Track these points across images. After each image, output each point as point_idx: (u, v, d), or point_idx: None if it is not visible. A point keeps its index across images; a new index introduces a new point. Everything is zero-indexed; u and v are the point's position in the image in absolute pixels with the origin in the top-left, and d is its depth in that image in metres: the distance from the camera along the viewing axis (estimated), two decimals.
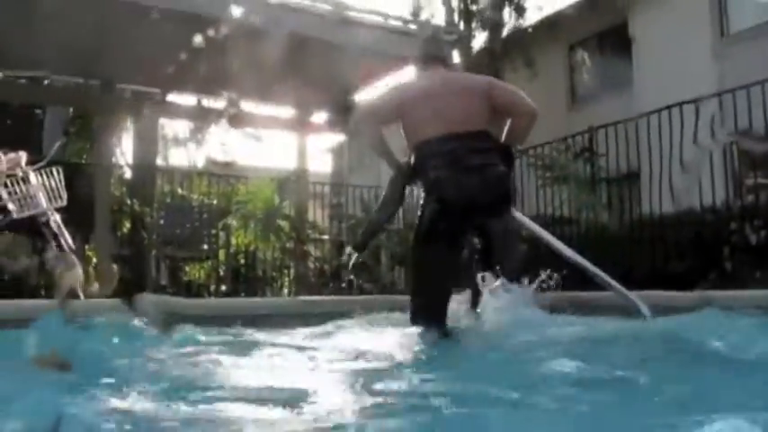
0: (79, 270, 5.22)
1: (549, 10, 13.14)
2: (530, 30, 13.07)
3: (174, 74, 7.84)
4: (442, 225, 3.24)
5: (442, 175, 3.23)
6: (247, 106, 9.82)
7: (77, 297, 5.15)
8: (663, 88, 9.03)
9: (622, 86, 11.78)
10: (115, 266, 7.22)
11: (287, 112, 9.95)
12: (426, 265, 3.36)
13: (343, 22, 7.35)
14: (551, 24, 12.79)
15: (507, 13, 13.27)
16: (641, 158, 6.63)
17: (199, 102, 10.16)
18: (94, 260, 7.63)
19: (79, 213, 7.42)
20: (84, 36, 6.83)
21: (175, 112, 10.25)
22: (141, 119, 11.05)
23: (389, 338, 2.97)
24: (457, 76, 3.97)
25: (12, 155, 5.32)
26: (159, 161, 13.24)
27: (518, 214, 4.08)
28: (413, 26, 8.37)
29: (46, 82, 9.28)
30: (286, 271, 9.20)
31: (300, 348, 2.70)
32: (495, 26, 12.95)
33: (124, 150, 13.62)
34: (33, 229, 5.20)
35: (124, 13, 6.36)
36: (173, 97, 9.64)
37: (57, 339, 2.09)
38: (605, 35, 13.03)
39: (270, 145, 35.25)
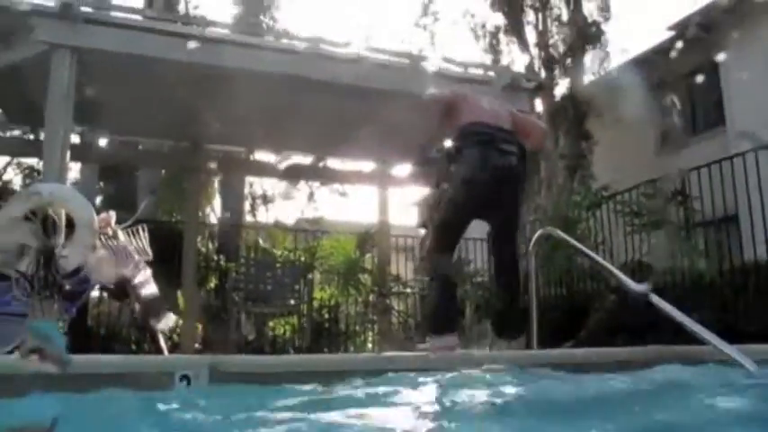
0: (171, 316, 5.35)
1: (634, 52, 12.88)
2: (613, 74, 12.80)
3: (258, 133, 8.03)
4: (479, 178, 3.99)
5: (484, 143, 4.04)
6: (331, 162, 9.97)
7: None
8: (758, 124, 8.60)
9: (714, 127, 11.31)
10: (199, 324, 7.32)
11: (369, 166, 10.01)
12: (457, 203, 4.07)
13: (422, 73, 7.36)
14: (636, 67, 12.48)
15: (589, 59, 13.10)
16: (739, 200, 6.26)
17: (283, 159, 10.39)
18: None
19: (167, 270, 7.61)
20: (175, 101, 7.10)
21: (261, 170, 10.48)
22: (228, 178, 11.39)
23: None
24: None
25: (103, 214, 5.52)
26: (246, 218, 13.59)
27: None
28: (491, 73, 8.30)
29: (140, 147, 9.70)
30: (369, 325, 9.12)
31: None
32: (576, 72, 12.77)
33: (213, 208, 14.08)
34: (121, 285, 5.33)
35: (211, 77, 6.57)
36: (259, 155, 9.89)
37: (53, 339, 2.05)
38: (694, 74, 12.58)
39: (357, 200, 35.73)
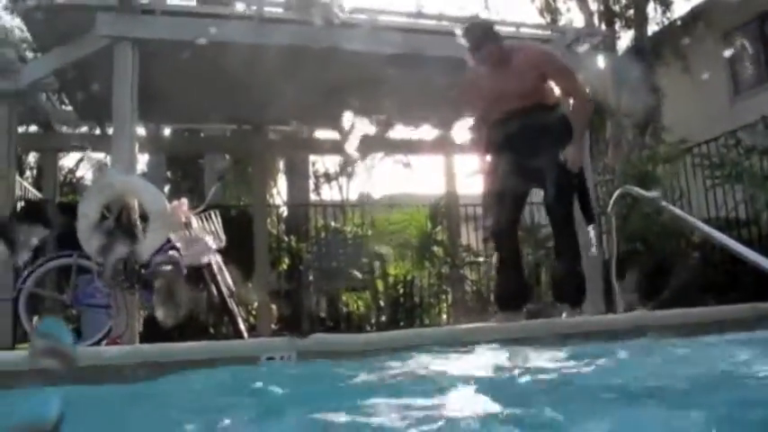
0: None
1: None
2: (678, 22, 12.25)
3: (318, 110, 8.00)
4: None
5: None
6: (392, 133, 9.86)
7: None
8: None
9: None
10: (273, 305, 7.38)
11: (432, 134, 9.86)
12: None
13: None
14: (702, 14, 11.92)
15: (652, 9, 12.57)
16: None
17: (344, 134, 10.34)
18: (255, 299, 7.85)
19: (239, 254, 7.70)
20: (234, 85, 7.12)
21: (323, 147, 10.48)
22: (292, 158, 11.43)
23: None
24: None
25: (175, 202, 5.59)
26: (312, 197, 13.66)
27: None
28: (548, 32, 8.02)
29: (202, 134, 9.79)
30: (444, 297, 9.06)
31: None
32: (639, 24, 12.27)
33: (279, 190, 14.20)
34: (197, 271, 5.39)
35: (268, 57, 6.55)
36: (320, 133, 9.87)
37: (61, 337, 2.04)
38: (766, 17, 11.91)
39: (422, 171, 35.59)
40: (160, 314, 4.84)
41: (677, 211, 4.41)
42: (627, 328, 3.34)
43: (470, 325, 4.16)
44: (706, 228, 4.14)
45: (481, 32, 4.35)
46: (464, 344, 3.23)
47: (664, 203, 4.52)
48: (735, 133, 6.94)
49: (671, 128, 10.72)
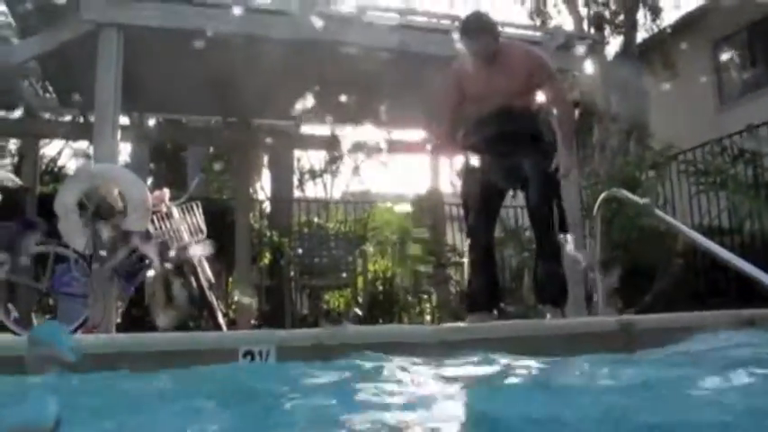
0: None
1: (687, 7, 12.38)
2: (668, 30, 12.30)
3: (305, 106, 7.94)
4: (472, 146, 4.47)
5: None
6: (378, 133, 9.81)
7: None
8: None
9: None
10: (252, 299, 7.30)
11: (418, 135, 9.83)
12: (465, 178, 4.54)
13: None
14: (691, 22, 11.99)
15: (642, 15, 12.60)
16: None
17: (331, 132, 10.28)
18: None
19: (221, 247, 7.61)
20: (221, 77, 7.03)
21: (309, 143, 10.41)
22: (277, 152, 11.34)
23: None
24: None
25: (156, 192, 5.51)
26: (296, 193, 13.57)
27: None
28: (537, 34, 8.01)
29: (183, 121, 9.69)
30: (425, 296, 9.02)
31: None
32: (629, 30, 12.30)
33: (263, 185, 14.11)
34: (177, 263, 5.32)
35: (256, 49, 6.48)
36: (306, 129, 9.79)
37: (58, 340, 2.01)
38: (755, 27, 11.99)
39: (405, 172, 35.63)
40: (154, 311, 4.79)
41: (664, 215, 4.41)
42: (609, 332, 3.31)
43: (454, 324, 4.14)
44: (693, 233, 4.14)
45: (482, 22, 4.31)
46: (448, 344, 3.19)
47: (652, 208, 4.51)
48: (721, 141, 6.97)
49: (657, 134, 10.77)
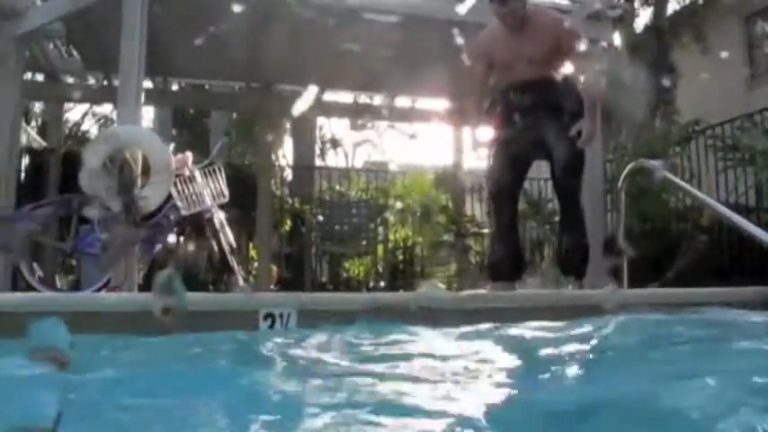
0: None
1: None
2: (699, 2, 12.02)
3: (329, 72, 7.88)
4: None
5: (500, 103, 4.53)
6: (402, 101, 9.74)
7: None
8: None
9: None
10: (273, 266, 7.34)
11: (443, 104, 9.74)
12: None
13: None
14: None
15: None
16: None
17: (355, 99, 10.23)
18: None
19: (242, 213, 7.63)
20: (245, 41, 6.99)
21: (332, 110, 10.35)
22: (299, 119, 11.31)
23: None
24: None
25: (179, 155, 5.52)
26: (318, 161, 13.56)
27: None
28: (566, 2, 7.84)
29: (206, 87, 9.67)
30: (446, 266, 9.01)
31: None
32: (659, 2, 12.05)
33: (285, 152, 14.10)
34: (198, 225, 5.35)
35: (280, 14, 6.43)
36: (329, 96, 9.74)
37: (55, 338, 2.02)
38: None
39: (427, 142, 35.48)
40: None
41: (683, 183, 4.35)
42: (633, 304, 3.28)
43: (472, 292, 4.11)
44: (716, 204, 4.09)
45: None
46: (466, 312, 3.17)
47: (670, 176, 4.46)
48: (752, 117, 6.81)
49: (685, 109, 10.58)
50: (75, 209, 5.19)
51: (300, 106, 7.83)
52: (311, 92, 8.22)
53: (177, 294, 2.17)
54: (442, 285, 3.71)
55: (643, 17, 12.56)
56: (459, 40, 6.20)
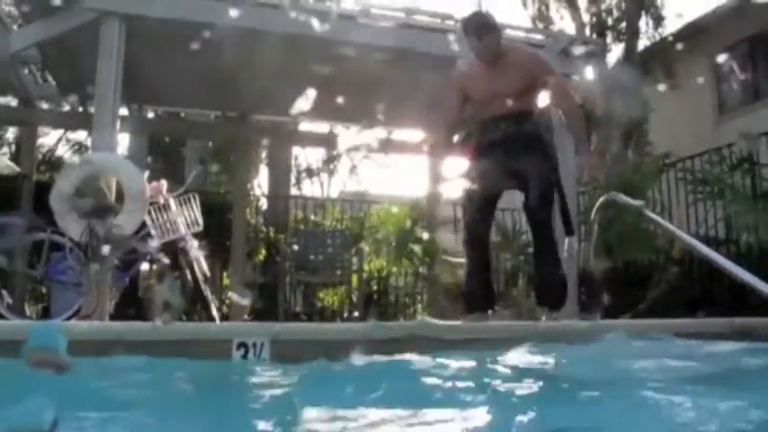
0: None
1: (689, 17, 12.39)
2: (669, 38, 12.32)
3: (305, 102, 7.91)
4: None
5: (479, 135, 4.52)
6: (377, 133, 9.79)
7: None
8: None
9: None
10: (247, 296, 7.29)
11: (418, 135, 9.81)
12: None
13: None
14: (694, 32, 12.00)
15: (644, 23, 12.63)
16: None
17: (330, 130, 10.28)
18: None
19: (217, 241, 7.59)
20: (222, 71, 7.00)
21: (307, 140, 10.39)
22: (275, 149, 11.32)
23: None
24: None
25: (154, 183, 5.50)
26: (293, 191, 13.55)
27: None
28: (539, 37, 7.99)
29: (182, 115, 9.66)
30: (419, 297, 9.02)
31: None
32: (631, 37, 12.33)
33: (260, 181, 14.09)
34: (172, 254, 5.31)
35: (258, 44, 6.46)
36: (304, 126, 9.78)
37: (53, 343, 2.01)
38: (756, 40, 12.00)
39: (403, 173, 35.62)
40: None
41: (661, 220, 4.42)
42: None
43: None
44: (688, 238, 4.15)
45: (486, 21, 4.27)
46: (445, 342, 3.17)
47: (648, 213, 4.51)
48: (720, 150, 6.96)
49: (656, 142, 10.77)
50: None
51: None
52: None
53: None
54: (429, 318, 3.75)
55: (615, 52, 12.84)
56: (434, 72, 6.29)
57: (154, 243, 5.17)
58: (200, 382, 2.35)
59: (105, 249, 4.82)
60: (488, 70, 4.28)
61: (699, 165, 7.06)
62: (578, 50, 7.24)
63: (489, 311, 4.37)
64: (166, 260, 5.23)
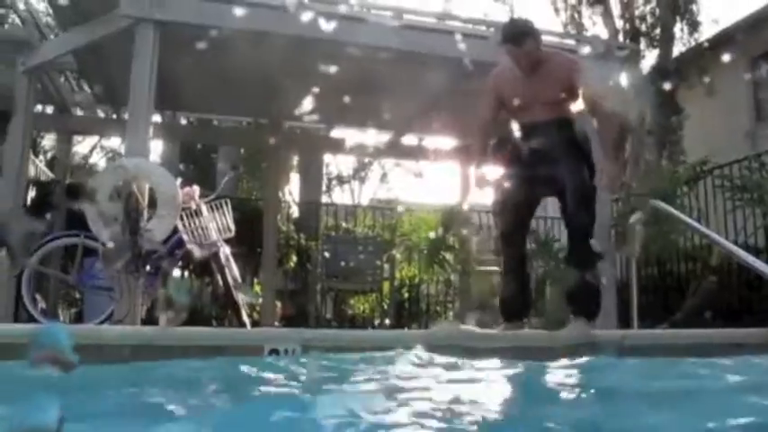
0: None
1: (725, 22, 12.17)
2: (705, 44, 12.11)
3: (337, 109, 7.90)
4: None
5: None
6: (410, 139, 9.75)
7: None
8: None
9: None
10: (278, 302, 7.28)
11: (451, 142, 9.75)
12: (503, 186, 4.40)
13: None
14: (729, 38, 11.78)
15: (679, 29, 12.44)
16: None
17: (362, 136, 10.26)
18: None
19: (248, 248, 7.60)
20: (256, 76, 7.02)
21: (339, 147, 10.38)
22: (306, 156, 11.34)
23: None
24: None
25: (187, 188, 5.52)
26: (324, 198, 13.57)
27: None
28: (574, 42, 7.88)
29: (214, 122, 9.72)
30: (451, 305, 8.94)
31: None
32: (665, 43, 12.15)
33: (291, 189, 14.14)
34: (204, 260, 5.31)
35: (290, 51, 6.46)
36: (337, 132, 9.78)
37: (60, 342, 1.99)
38: None
39: (435, 180, 35.57)
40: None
41: (703, 228, 4.30)
42: (643, 346, 3.24)
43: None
44: (728, 244, 4.04)
45: (525, 27, 4.24)
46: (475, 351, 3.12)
47: (690, 221, 4.41)
48: (759, 156, 6.79)
49: (692, 149, 10.58)
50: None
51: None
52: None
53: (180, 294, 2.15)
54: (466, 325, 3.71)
55: (650, 58, 12.66)
56: (466, 78, 6.23)
57: (190, 248, 5.17)
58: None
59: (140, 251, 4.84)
60: (527, 76, 4.22)
61: (737, 171, 6.90)
62: (614, 55, 7.14)
63: (524, 320, 4.31)
64: (179, 262, 5.22)
